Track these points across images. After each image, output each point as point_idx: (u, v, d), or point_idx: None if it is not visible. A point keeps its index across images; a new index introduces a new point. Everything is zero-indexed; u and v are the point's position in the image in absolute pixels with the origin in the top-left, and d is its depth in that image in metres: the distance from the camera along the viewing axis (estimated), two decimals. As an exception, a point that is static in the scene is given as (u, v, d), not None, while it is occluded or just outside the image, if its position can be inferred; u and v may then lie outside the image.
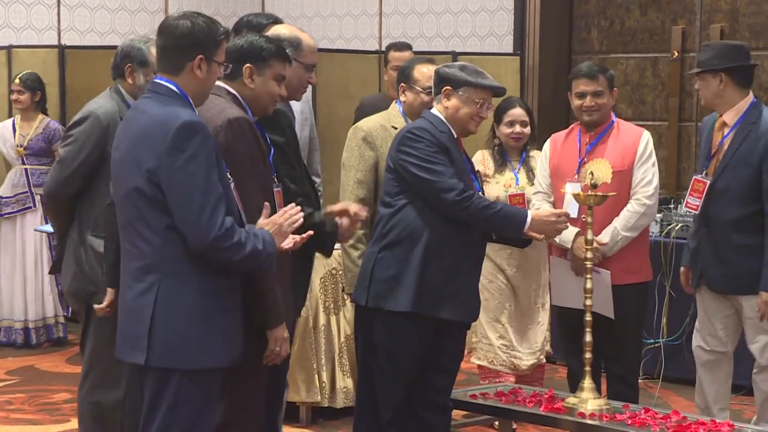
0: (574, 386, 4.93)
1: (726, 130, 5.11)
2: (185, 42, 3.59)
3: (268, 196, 3.85)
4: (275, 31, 4.44)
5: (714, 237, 5.09)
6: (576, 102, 5.12)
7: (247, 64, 3.94)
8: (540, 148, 5.60)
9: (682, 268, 5.33)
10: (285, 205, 3.87)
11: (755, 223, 4.98)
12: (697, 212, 5.12)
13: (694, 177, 5.15)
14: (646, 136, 5.14)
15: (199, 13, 3.69)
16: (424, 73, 5.00)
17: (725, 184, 5.04)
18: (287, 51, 4.18)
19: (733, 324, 5.16)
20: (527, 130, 5.87)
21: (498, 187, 5.76)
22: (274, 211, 3.81)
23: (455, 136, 4.58)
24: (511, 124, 5.83)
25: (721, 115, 5.15)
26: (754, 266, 4.97)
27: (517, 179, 5.79)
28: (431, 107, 4.65)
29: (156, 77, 3.65)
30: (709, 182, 5.06)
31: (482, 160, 5.86)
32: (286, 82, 4.14)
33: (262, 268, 3.65)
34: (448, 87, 4.55)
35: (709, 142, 5.20)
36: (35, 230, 7.79)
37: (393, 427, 4.56)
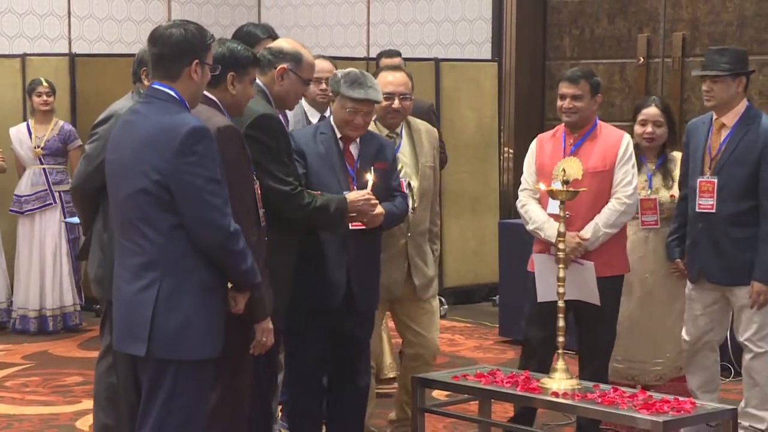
0: (526, 364, 5.00)
1: (725, 132, 5.05)
2: (181, 49, 3.56)
3: (252, 193, 3.88)
4: (277, 44, 4.42)
5: (712, 232, 5.02)
6: (558, 103, 5.10)
7: (231, 72, 3.91)
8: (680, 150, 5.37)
9: (677, 260, 5.21)
10: (263, 198, 3.96)
11: (751, 217, 4.95)
12: (713, 211, 4.99)
13: (699, 179, 5.04)
14: (627, 139, 5.09)
15: (187, 21, 3.67)
16: (382, 80, 4.92)
17: (723, 181, 4.99)
18: (288, 65, 4.20)
19: (719, 315, 5.12)
20: (661, 130, 5.29)
21: None
22: (255, 206, 3.86)
23: (338, 136, 4.57)
24: (644, 123, 5.30)
25: (718, 118, 5.08)
26: (749, 258, 4.94)
27: (651, 182, 5.29)
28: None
29: (153, 83, 3.61)
30: (716, 181, 4.98)
31: None
32: (283, 93, 4.18)
33: (246, 285, 3.66)
34: (333, 93, 4.59)
35: (703, 143, 5.10)
36: (63, 221, 7.82)
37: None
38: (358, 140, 4.64)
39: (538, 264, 4.95)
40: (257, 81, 4.22)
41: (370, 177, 4.48)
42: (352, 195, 4.42)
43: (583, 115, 5.04)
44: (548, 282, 4.86)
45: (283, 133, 4.21)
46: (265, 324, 3.80)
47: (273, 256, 4.03)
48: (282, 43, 4.41)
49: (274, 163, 4.13)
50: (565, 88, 5.04)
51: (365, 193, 4.42)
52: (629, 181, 4.99)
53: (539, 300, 4.95)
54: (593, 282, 4.82)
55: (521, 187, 5.19)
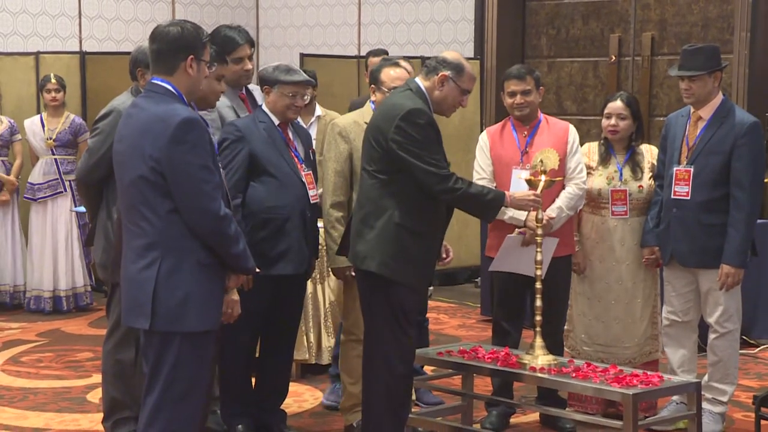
0: (498, 341, 5.04)
1: (701, 124, 5.00)
2: (177, 45, 3.57)
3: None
4: (443, 54, 4.52)
5: (684, 217, 4.97)
6: (508, 100, 5.07)
7: None
8: (651, 143, 5.34)
9: (645, 249, 5.13)
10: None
11: (723, 204, 4.91)
12: (687, 198, 4.94)
13: (675, 168, 5.00)
14: (573, 130, 5.11)
15: (185, 20, 3.68)
16: (390, 75, 4.92)
17: (697, 170, 4.95)
18: (449, 73, 4.35)
19: (696, 296, 5.08)
20: (624, 123, 5.14)
21: (601, 179, 5.15)
22: (224, 192, 3.83)
23: (276, 123, 4.76)
24: (609, 116, 5.16)
25: (695, 111, 5.02)
26: (719, 243, 4.89)
27: (621, 173, 5.15)
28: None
29: (152, 78, 3.63)
30: (692, 170, 4.94)
31: (588, 152, 5.24)
32: (440, 98, 4.39)
33: (238, 269, 3.65)
34: (267, 86, 4.77)
35: (681, 135, 5.05)
36: (72, 211, 7.81)
37: None
38: (291, 125, 4.88)
39: (507, 242, 4.88)
40: (419, 83, 4.41)
41: (520, 174, 4.63)
42: (519, 193, 4.57)
43: (532, 108, 5.05)
44: (508, 256, 4.83)
45: (430, 123, 4.32)
46: (230, 296, 3.76)
47: (415, 243, 4.29)
48: (447, 54, 4.52)
49: (425, 150, 4.25)
50: (514, 86, 5.03)
51: (531, 193, 4.55)
52: (582, 168, 5.05)
53: (491, 269, 4.95)
54: (549, 255, 4.80)
55: (477, 177, 5.10)
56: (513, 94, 5.04)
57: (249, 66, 5.02)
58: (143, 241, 3.52)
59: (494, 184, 5.07)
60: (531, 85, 5.03)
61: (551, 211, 4.90)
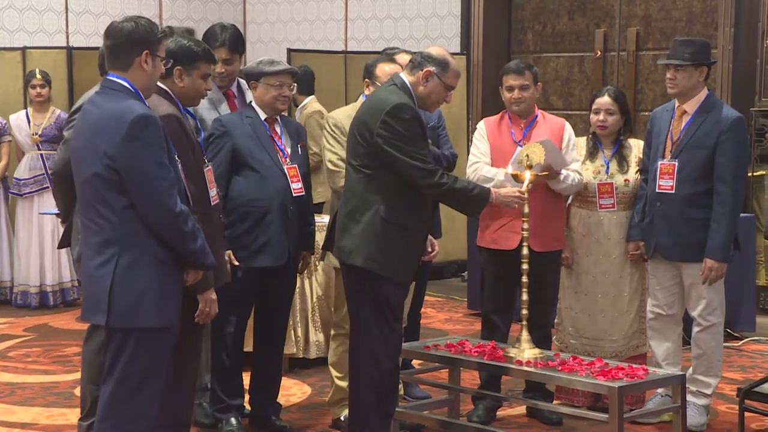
0: (487, 334, 5.05)
1: (686, 118, 5.01)
2: (131, 40, 3.56)
3: (198, 175, 3.86)
4: (429, 49, 4.50)
5: (668, 211, 4.98)
6: (506, 95, 5.08)
7: (177, 66, 3.93)
8: (636, 137, 5.37)
9: (630, 244, 5.14)
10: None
11: (707, 199, 4.91)
12: (672, 192, 4.95)
13: (660, 162, 5.00)
14: (569, 126, 5.13)
15: (140, 16, 3.69)
16: (385, 70, 4.94)
17: (681, 164, 4.95)
18: (434, 69, 4.34)
19: (680, 290, 5.09)
20: (613, 118, 5.16)
21: (588, 173, 5.15)
22: (205, 189, 3.85)
23: (263, 118, 4.83)
24: (597, 111, 5.18)
25: (680, 105, 5.03)
26: (702, 237, 4.90)
27: (608, 167, 5.17)
28: None
29: (108, 75, 3.61)
30: (676, 164, 4.95)
31: (576, 147, 5.22)
32: (424, 94, 4.37)
33: (196, 265, 3.63)
34: (253, 81, 4.82)
35: (666, 129, 5.06)
36: (40, 214, 7.72)
37: None
38: (279, 120, 4.91)
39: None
40: (403, 78, 4.40)
41: (528, 174, 4.61)
42: (505, 190, 4.58)
43: (529, 103, 5.07)
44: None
45: (416, 118, 4.31)
46: (208, 294, 3.76)
47: (401, 237, 4.28)
48: (432, 50, 4.51)
49: (410, 145, 4.25)
50: (512, 80, 5.04)
51: (516, 191, 4.58)
52: (579, 165, 5.09)
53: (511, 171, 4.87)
54: (557, 151, 4.85)
55: (474, 161, 5.09)
56: (511, 89, 5.05)
57: (222, 70, 5.06)
58: (100, 237, 3.51)
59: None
60: (529, 80, 5.04)
61: (564, 171, 4.94)
